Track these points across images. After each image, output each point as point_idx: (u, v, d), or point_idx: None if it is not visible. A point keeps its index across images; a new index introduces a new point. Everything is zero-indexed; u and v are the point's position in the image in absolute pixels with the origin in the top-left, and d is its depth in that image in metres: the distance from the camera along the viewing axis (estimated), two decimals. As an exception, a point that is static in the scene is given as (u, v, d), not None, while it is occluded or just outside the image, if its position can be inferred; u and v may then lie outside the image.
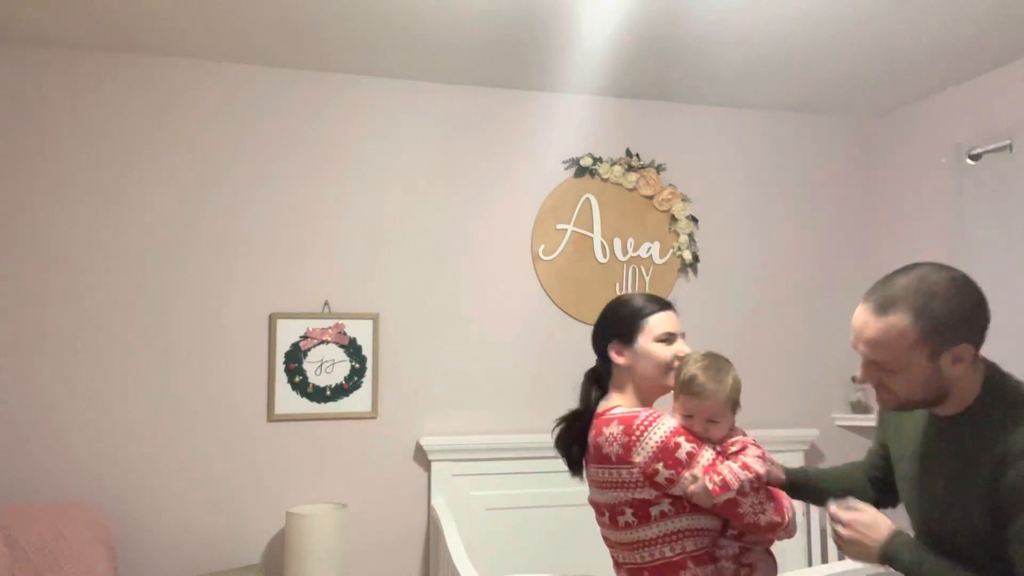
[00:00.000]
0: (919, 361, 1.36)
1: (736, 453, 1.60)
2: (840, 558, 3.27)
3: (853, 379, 1.46)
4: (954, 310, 1.34)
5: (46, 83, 2.98)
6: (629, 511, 1.62)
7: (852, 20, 2.75)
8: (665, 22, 2.76)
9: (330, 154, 3.26)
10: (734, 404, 1.65)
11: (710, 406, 1.61)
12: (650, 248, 3.58)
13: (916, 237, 3.55)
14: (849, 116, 3.86)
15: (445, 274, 3.35)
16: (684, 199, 3.63)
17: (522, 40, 2.93)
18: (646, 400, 1.73)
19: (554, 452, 1.82)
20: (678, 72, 3.27)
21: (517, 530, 3.23)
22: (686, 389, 1.63)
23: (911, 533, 1.50)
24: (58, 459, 2.91)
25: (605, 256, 3.53)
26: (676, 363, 1.70)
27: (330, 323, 3.19)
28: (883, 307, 1.37)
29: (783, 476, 1.68)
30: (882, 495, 1.73)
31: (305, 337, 3.17)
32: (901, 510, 1.66)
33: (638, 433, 1.59)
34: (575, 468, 1.78)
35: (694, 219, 3.64)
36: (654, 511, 1.60)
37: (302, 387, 3.16)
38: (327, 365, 3.19)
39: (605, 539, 1.76)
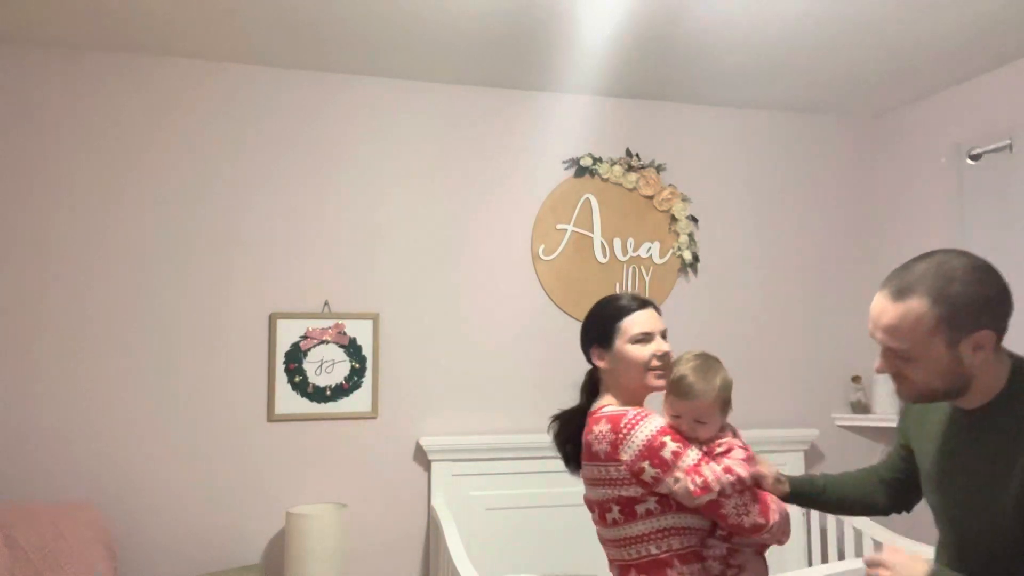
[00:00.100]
0: (938, 348, 1.31)
1: (721, 455, 1.60)
2: (840, 558, 3.28)
3: (876, 369, 1.41)
4: (973, 295, 1.29)
5: (46, 83, 2.98)
6: (616, 508, 1.63)
7: (852, 20, 2.75)
8: (665, 22, 2.76)
9: (330, 154, 3.26)
10: (723, 405, 1.64)
11: (698, 406, 1.61)
12: (650, 248, 3.58)
13: (916, 237, 3.55)
14: (849, 116, 3.86)
15: (445, 274, 3.35)
16: (684, 199, 3.63)
17: (522, 40, 2.93)
18: (635, 399, 1.73)
19: (554, 452, 1.84)
20: (678, 72, 3.27)
21: (517, 530, 3.22)
22: (674, 389, 1.64)
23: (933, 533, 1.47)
24: (58, 459, 2.91)
25: (605, 256, 3.53)
26: (655, 361, 1.69)
27: (330, 323, 3.19)
28: (900, 293, 1.33)
29: (767, 475, 1.64)
30: (895, 500, 1.70)
31: (305, 337, 3.17)
32: (916, 513, 1.66)
33: (625, 431, 1.61)
34: (572, 466, 1.80)
35: (694, 219, 3.64)
36: (640, 508, 1.61)
37: (302, 387, 3.16)
38: (327, 365, 3.19)
39: (598, 537, 1.77)
